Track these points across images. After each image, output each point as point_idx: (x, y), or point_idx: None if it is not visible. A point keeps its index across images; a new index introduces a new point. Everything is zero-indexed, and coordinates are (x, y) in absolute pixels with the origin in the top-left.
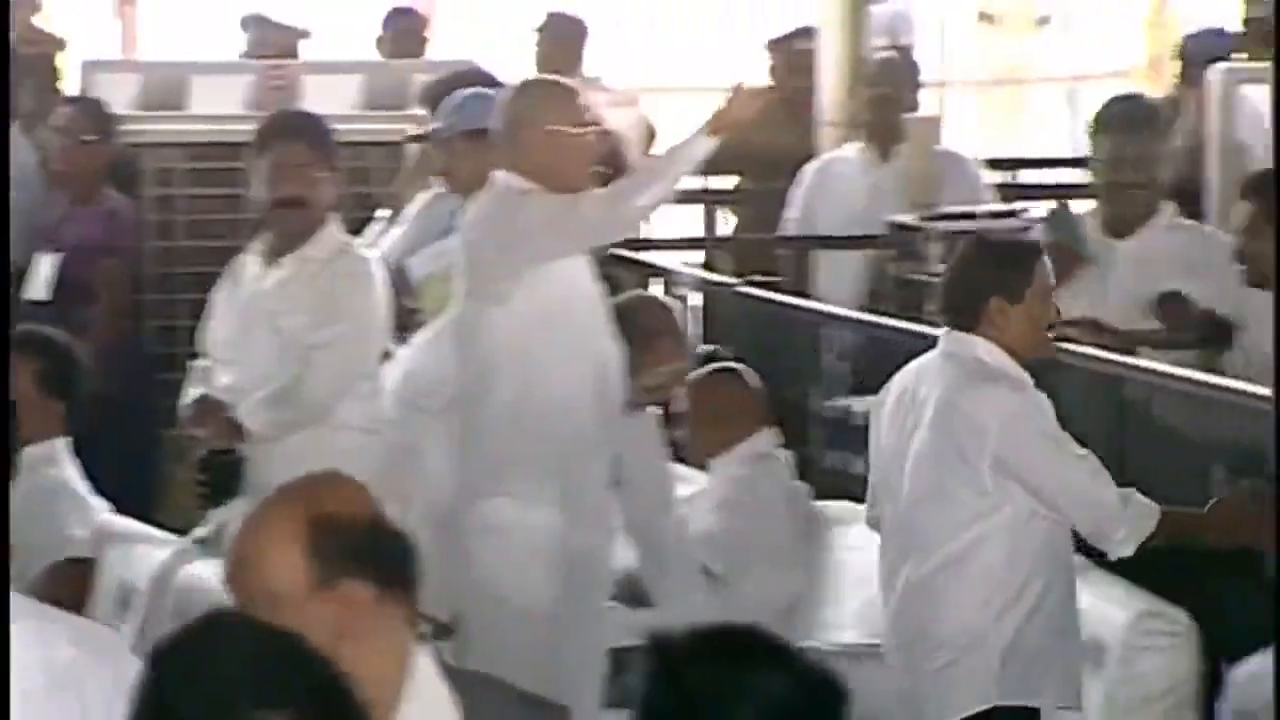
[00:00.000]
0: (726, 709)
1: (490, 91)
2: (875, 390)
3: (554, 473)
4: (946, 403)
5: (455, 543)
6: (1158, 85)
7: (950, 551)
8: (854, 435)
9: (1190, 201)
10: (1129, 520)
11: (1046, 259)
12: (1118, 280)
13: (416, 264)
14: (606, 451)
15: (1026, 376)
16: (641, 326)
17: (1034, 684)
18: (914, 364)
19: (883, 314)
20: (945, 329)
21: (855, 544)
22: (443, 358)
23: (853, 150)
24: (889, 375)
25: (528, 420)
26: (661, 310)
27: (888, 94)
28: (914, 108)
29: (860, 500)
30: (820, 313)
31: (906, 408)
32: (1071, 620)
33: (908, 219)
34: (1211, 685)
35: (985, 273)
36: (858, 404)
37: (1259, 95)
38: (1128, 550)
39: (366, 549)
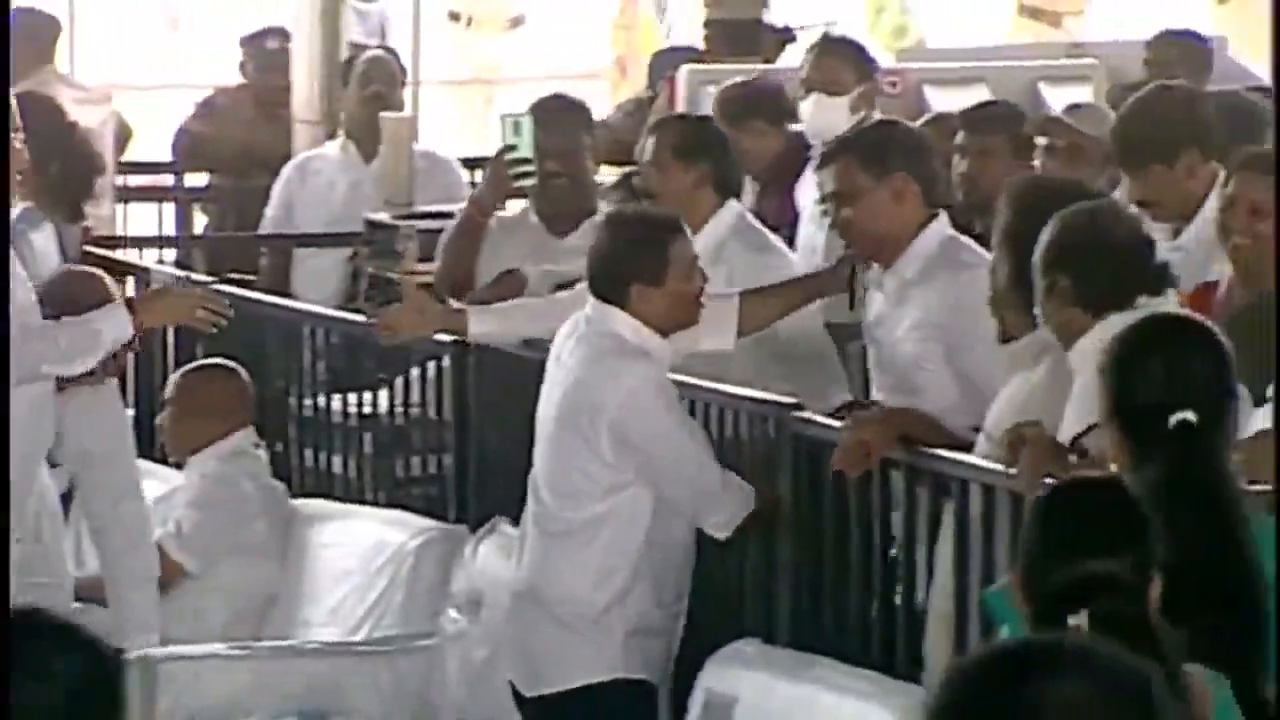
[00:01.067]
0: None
1: None
2: (353, 389)
3: None
4: (578, 378)
5: None
6: (625, 86)
7: (574, 521)
8: (332, 433)
9: None
10: (729, 503)
11: (686, 233)
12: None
13: None
14: (40, 451)
15: (666, 351)
16: (73, 300)
17: (654, 660)
18: (575, 317)
19: (360, 312)
20: (591, 296)
21: (330, 541)
22: None
23: (334, 148)
24: (369, 374)
25: None
26: (93, 281)
27: (380, 92)
28: (401, 107)
29: (336, 498)
30: (298, 311)
31: (555, 365)
32: (682, 604)
33: (383, 217)
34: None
35: (622, 257)
36: (336, 402)
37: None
38: (724, 533)
39: None
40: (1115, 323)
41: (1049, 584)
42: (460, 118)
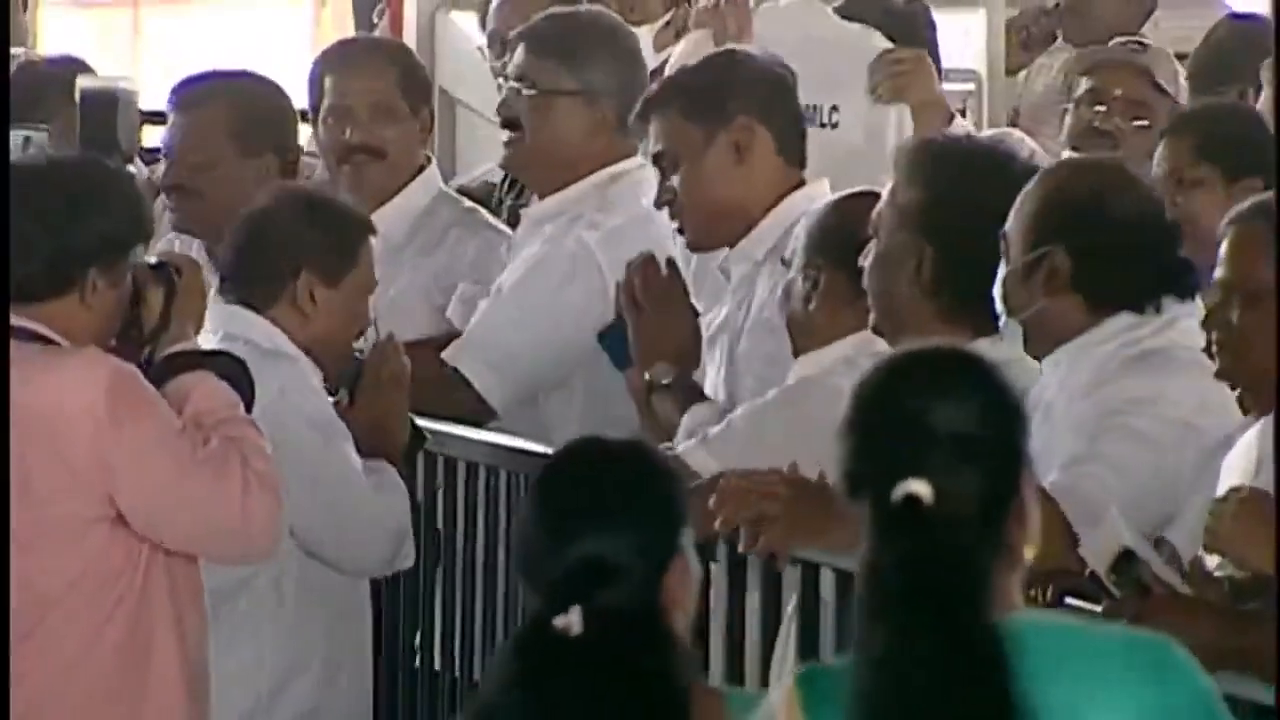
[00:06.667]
0: None
1: None
2: None
3: None
4: None
5: None
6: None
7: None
8: None
9: None
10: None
11: (371, 244)
12: None
13: None
14: None
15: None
16: None
17: None
18: None
19: None
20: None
21: None
22: None
23: None
24: None
25: None
26: None
27: None
28: (23, 37)
29: None
30: None
31: None
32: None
33: None
34: None
35: (282, 240)
36: None
37: (465, 20)
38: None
39: None
40: (1124, 325)
41: (543, 575)
42: (103, 50)
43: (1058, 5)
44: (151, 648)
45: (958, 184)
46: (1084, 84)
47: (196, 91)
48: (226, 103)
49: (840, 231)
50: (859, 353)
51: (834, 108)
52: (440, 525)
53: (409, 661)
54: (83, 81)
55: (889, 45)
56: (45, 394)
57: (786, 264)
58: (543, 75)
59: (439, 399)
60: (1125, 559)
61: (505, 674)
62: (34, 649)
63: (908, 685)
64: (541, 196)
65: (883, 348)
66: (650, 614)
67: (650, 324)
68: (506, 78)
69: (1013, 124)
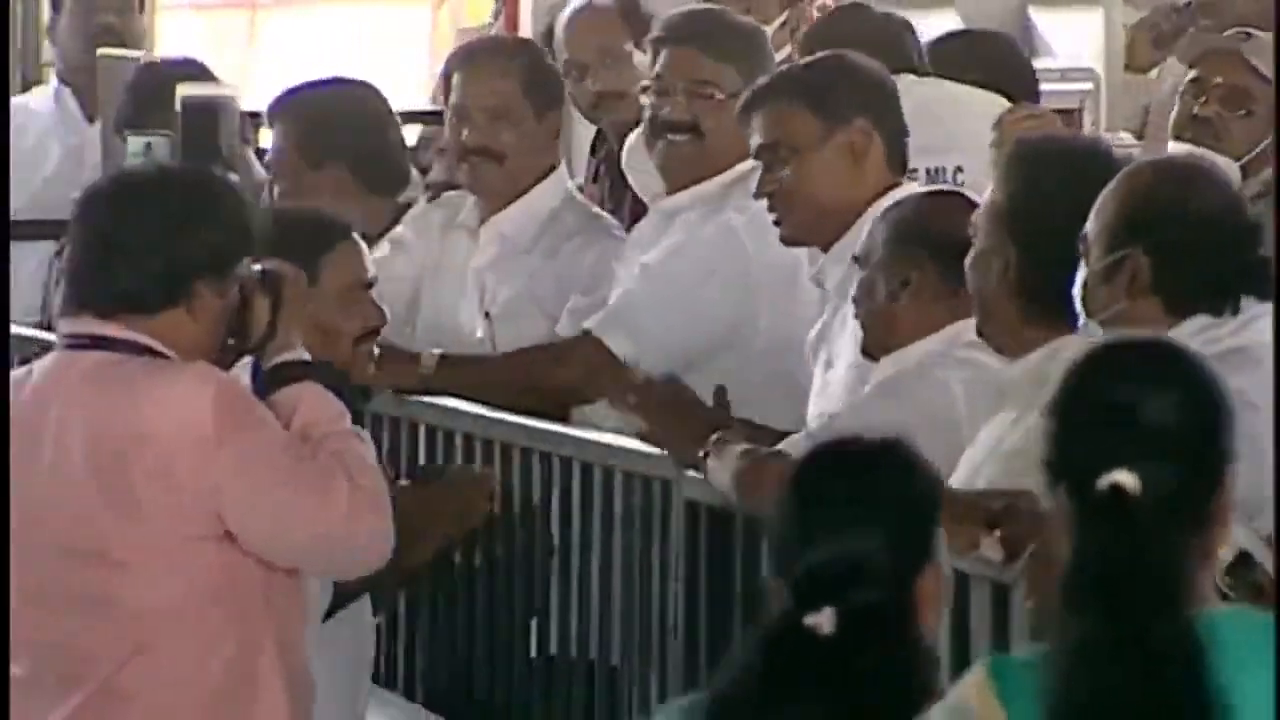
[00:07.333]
0: None
1: None
2: None
3: None
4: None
5: None
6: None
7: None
8: None
9: None
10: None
11: (358, 245)
12: None
13: None
14: None
15: None
16: None
17: None
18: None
19: None
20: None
21: None
22: None
23: (44, 99)
24: None
25: None
26: None
27: (111, 24)
28: (140, 41)
29: None
30: None
31: None
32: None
33: None
34: None
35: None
36: None
37: None
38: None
39: None
40: (1200, 326)
41: (795, 572)
42: (218, 53)
43: (1189, 3)
44: (258, 662)
45: (1040, 185)
46: (1190, 74)
47: (279, 105)
48: (294, 116)
49: (927, 227)
50: (949, 347)
51: (959, 169)
52: (555, 525)
53: (524, 647)
54: (183, 90)
55: (1005, 104)
56: (152, 411)
57: (859, 261)
58: (723, 79)
59: (548, 371)
60: (1241, 562)
61: (750, 668)
62: (143, 668)
63: (1104, 678)
64: (670, 192)
65: (970, 341)
66: (901, 616)
67: (677, 430)
68: (650, 80)
69: (1143, 123)
